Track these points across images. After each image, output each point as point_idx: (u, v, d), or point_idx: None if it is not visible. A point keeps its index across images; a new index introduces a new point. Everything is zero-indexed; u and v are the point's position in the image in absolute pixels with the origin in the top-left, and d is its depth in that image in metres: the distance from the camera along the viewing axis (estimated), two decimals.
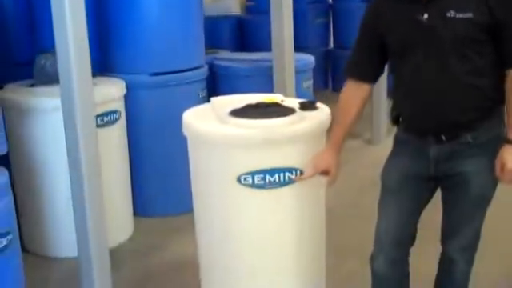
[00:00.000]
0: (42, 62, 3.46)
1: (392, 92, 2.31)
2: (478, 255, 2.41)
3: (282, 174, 2.37)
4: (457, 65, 2.08)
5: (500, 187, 2.26)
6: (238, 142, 2.36)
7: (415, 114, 2.23)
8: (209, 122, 2.47)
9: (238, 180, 2.36)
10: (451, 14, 2.05)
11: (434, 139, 2.18)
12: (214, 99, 2.79)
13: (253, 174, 2.35)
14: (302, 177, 2.38)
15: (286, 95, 3.76)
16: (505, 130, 2.14)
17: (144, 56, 3.77)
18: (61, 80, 2.58)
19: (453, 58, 2.08)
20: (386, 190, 2.35)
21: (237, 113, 2.45)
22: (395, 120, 2.32)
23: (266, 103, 2.52)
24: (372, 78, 2.33)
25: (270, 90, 3.85)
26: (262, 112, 2.45)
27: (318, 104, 2.61)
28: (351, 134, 5.38)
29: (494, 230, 3.45)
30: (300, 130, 2.39)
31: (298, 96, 3.88)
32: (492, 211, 2.33)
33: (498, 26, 2.04)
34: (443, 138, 2.17)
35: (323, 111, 2.51)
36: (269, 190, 2.38)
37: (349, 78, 2.33)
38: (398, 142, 2.34)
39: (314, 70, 4.76)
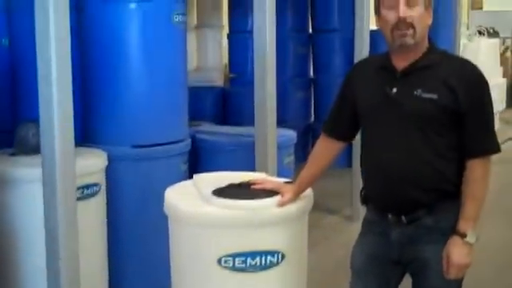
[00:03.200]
0: (24, 132, 3.43)
1: (360, 167, 2.34)
2: None
3: (263, 258, 2.33)
4: (418, 144, 2.12)
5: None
6: (219, 223, 2.33)
7: (376, 191, 2.26)
8: (191, 201, 2.44)
9: (219, 262, 2.32)
10: (418, 92, 2.10)
11: (395, 220, 2.19)
12: (196, 176, 2.77)
13: (234, 256, 2.31)
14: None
15: (267, 172, 3.78)
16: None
17: (127, 128, 3.74)
18: (42, 151, 2.55)
19: (415, 137, 2.12)
20: (353, 273, 2.35)
21: (220, 192, 2.43)
22: (364, 199, 2.34)
23: (249, 183, 2.51)
24: (342, 138, 2.41)
25: (251, 165, 3.85)
26: (245, 192, 2.43)
27: None
28: (330, 211, 5.45)
29: None
30: (283, 212, 2.36)
31: (279, 172, 3.89)
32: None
33: (461, 113, 2.09)
34: (404, 219, 2.17)
35: (305, 193, 2.50)
36: (249, 274, 2.34)
37: (322, 132, 2.43)
38: (365, 222, 2.36)
39: (295, 144, 4.78)
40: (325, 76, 7.23)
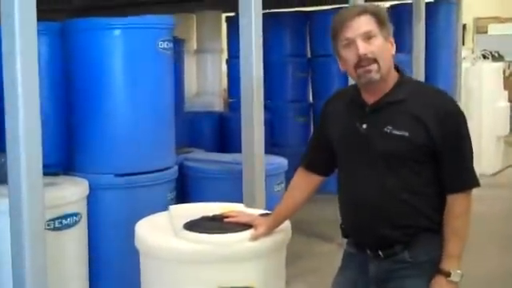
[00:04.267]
0: (2, 161, 3.35)
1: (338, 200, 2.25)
2: None
3: None
4: (391, 182, 2.03)
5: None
6: (189, 259, 2.22)
7: (351, 226, 2.17)
8: (161, 235, 2.34)
9: None
10: (388, 129, 2.02)
11: (373, 255, 2.11)
12: (172, 207, 2.68)
13: None
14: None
15: (254, 200, 3.68)
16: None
17: (110, 156, 3.66)
18: (9, 182, 2.47)
19: (387, 175, 2.03)
20: None
21: (191, 226, 2.32)
22: (344, 232, 2.24)
23: (222, 216, 2.40)
24: (319, 172, 2.30)
25: (239, 193, 3.75)
26: (217, 225, 2.33)
27: None
28: (324, 238, 5.30)
29: None
30: (256, 247, 2.25)
31: (269, 201, 3.78)
32: None
33: (436, 149, 1.99)
34: (381, 254, 2.08)
35: (282, 226, 2.38)
36: None
37: (300, 165, 2.34)
38: (345, 254, 2.27)
39: (293, 169, 4.66)
40: (323, 100, 7.11)
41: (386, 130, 2.02)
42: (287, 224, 2.42)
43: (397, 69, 2.09)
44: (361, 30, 1.98)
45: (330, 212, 5.31)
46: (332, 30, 2.05)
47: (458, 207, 2.02)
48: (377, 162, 2.04)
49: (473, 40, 12.88)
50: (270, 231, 2.29)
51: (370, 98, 2.07)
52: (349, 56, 2.01)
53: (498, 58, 10.52)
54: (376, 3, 2.18)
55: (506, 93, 9.00)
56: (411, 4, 6.01)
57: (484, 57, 9.20)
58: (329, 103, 2.27)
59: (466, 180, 2.03)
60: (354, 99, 2.12)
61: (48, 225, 3.20)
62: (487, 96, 7.99)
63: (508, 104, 8.78)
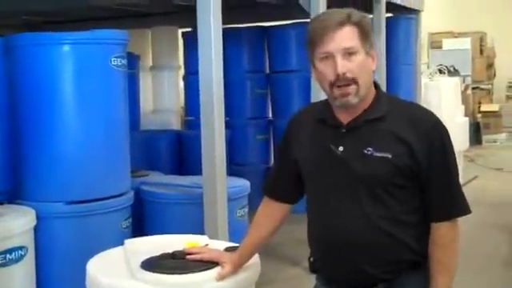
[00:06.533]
0: None
1: (307, 234, 2.01)
2: None
3: None
4: (371, 210, 1.81)
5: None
6: None
7: (325, 263, 1.93)
8: (116, 276, 2.08)
9: None
10: (369, 151, 1.80)
11: None
12: (127, 242, 2.42)
13: None
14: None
15: (216, 227, 3.46)
16: None
17: (59, 181, 3.36)
18: None
19: (366, 200, 1.82)
20: None
21: (150, 265, 2.08)
22: (313, 267, 2.01)
23: (184, 252, 2.16)
24: (286, 200, 2.07)
25: (200, 219, 3.52)
26: (179, 264, 2.08)
27: None
28: (292, 261, 5.08)
29: None
30: (224, 287, 2.02)
31: (231, 226, 3.57)
32: None
33: (420, 169, 1.80)
34: None
35: (251, 261, 2.16)
36: None
37: (264, 194, 2.10)
38: None
39: (254, 188, 4.45)
40: (284, 117, 6.95)
41: (366, 152, 1.81)
42: (256, 258, 2.19)
43: (374, 84, 1.90)
44: (342, 45, 1.77)
45: (297, 233, 5.10)
46: (310, 37, 1.82)
47: (446, 236, 1.84)
48: (356, 189, 1.83)
49: (428, 55, 12.94)
50: (237, 269, 2.06)
51: (345, 117, 1.87)
52: (326, 71, 1.80)
53: (453, 72, 10.59)
54: None
55: (463, 107, 9.02)
56: (371, 18, 5.91)
57: (440, 72, 9.21)
58: (293, 122, 2.03)
59: (456, 206, 1.85)
60: (326, 117, 1.90)
61: None
62: (446, 111, 7.94)
63: (466, 118, 8.79)
